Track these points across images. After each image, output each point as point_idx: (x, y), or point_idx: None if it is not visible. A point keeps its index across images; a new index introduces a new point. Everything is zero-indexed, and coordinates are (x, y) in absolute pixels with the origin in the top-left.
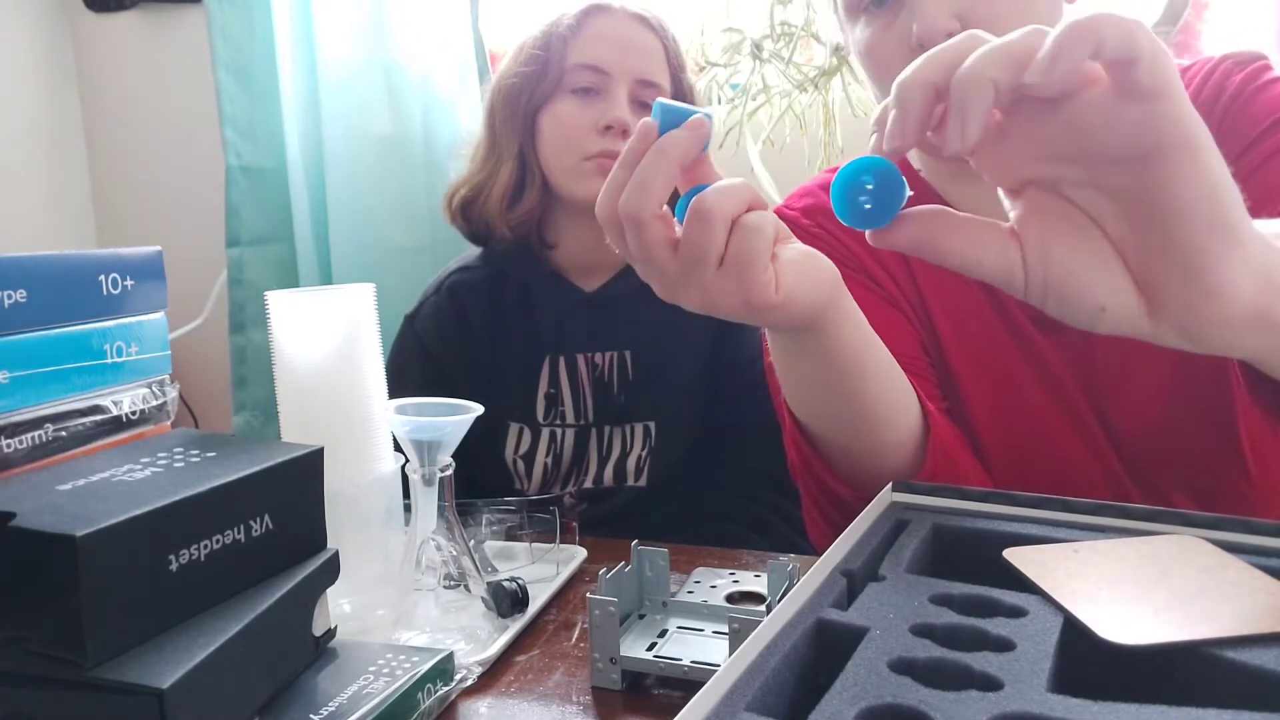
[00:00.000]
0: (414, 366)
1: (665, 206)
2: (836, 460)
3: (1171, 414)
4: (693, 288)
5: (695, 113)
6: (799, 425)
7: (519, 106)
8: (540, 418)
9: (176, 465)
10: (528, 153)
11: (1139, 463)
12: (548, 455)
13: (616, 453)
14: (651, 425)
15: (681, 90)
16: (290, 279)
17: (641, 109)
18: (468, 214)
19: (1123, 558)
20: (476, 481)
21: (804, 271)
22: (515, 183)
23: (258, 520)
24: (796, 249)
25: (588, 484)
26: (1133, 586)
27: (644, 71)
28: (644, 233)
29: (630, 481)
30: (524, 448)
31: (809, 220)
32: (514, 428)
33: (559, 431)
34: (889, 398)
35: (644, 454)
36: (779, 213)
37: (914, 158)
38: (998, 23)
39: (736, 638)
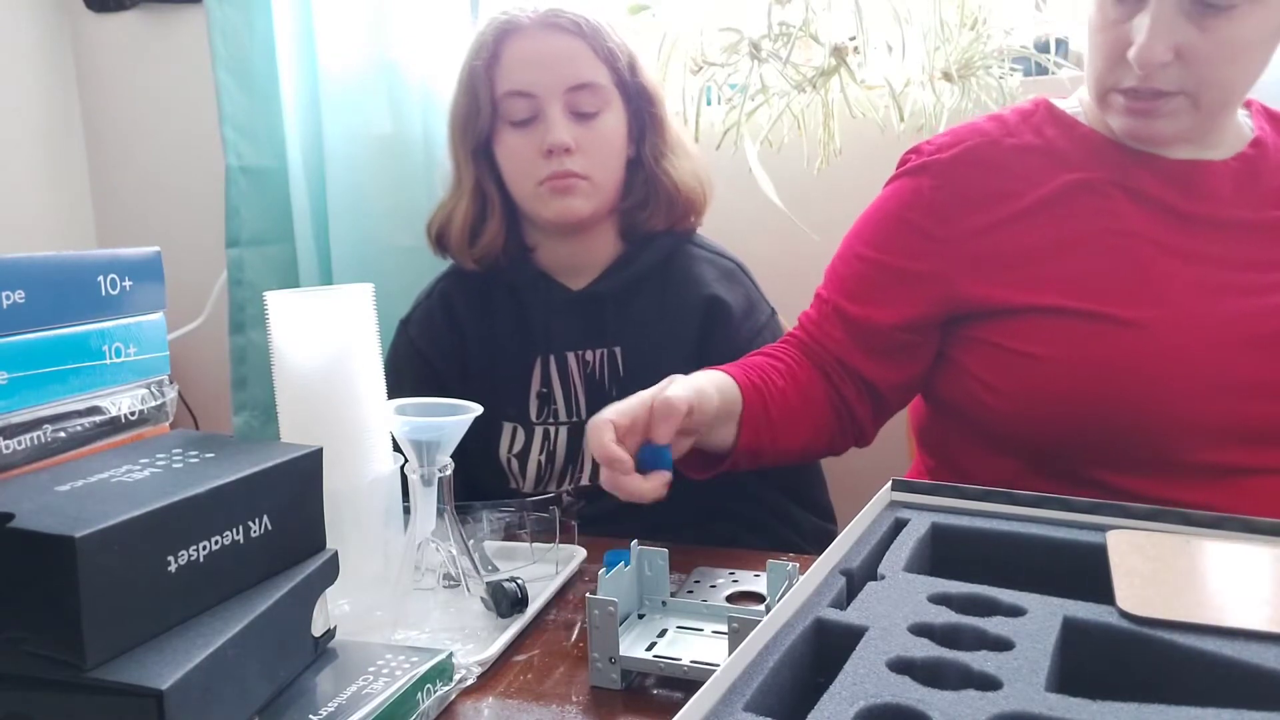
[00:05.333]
0: (409, 370)
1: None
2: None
3: None
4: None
5: (667, 459)
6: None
7: (468, 142)
8: (533, 416)
9: (175, 466)
10: (484, 184)
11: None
12: (541, 453)
13: None
14: None
15: (623, 77)
16: (290, 279)
17: (581, 115)
18: (442, 243)
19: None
20: (471, 482)
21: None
22: (475, 216)
23: (257, 521)
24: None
25: (584, 482)
26: (1195, 578)
27: (572, 78)
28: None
29: None
30: (518, 447)
31: (942, 155)
32: (508, 427)
33: (552, 430)
34: None
35: None
36: (918, 148)
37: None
38: (1213, 63)
39: (736, 637)
